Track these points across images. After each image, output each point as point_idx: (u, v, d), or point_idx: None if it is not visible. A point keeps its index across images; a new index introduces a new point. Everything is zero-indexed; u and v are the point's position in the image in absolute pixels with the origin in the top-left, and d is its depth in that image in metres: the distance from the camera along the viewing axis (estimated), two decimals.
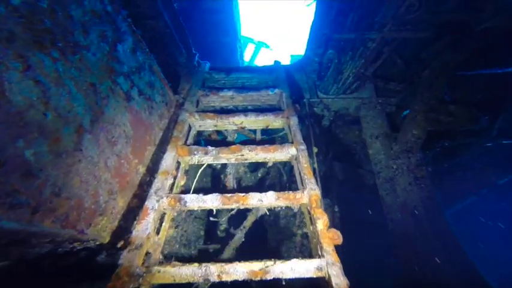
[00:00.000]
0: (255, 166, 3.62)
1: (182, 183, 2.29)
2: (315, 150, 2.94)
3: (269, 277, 1.46)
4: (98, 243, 1.67)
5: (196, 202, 1.82)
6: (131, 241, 1.57)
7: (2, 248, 1.19)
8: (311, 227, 1.82)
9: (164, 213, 1.93)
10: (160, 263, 1.65)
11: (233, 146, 2.20)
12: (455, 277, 2.26)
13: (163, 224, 1.91)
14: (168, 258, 2.66)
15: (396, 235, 2.71)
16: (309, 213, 1.85)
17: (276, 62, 3.92)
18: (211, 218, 3.21)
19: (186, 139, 2.54)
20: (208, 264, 1.50)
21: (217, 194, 1.84)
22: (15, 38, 1.03)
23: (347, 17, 2.68)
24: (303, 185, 2.01)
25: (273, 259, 1.53)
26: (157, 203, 1.78)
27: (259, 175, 3.59)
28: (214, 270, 1.47)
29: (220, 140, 3.47)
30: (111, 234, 1.74)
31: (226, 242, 2.98)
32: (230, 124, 2.69)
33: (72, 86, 1.35)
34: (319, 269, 1.48)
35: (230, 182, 3.18)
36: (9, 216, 0.99)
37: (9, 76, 1.01)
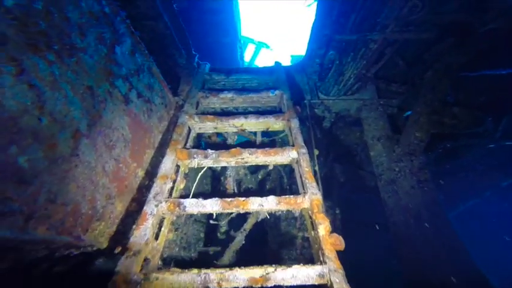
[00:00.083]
0: (255, 168, 3.59)
1: (182, 186, 2.26)
2: (316, 152, 2.91)
3: (270, 284, 1.43)
4: (95, 248, 1.64)
5: (196, 207, 1.79)
6: (129, 247, 1.54)
7: None
8: (312, 232, 1.79)
9: (163, 218, 1.89)
10: (159, 269, 1.62)
11: (233, 150, 2.17)
12: (462, 284, 2.22)
13: (163, 229, 1.87)
14: (168, 261, 2.64)
15: (398, 238, 2.67)
16: (310, 217, 1.82)
17: (276, 62, 3.89)
18: (211, 221, 3.19)
19: (186, 142, 2.51)
20: (208, 271, 1.47)
21: (217, 198, 1.81)
22: (8, 40, 0.99)
23: (349, 17, 2.64)
24: (304, 189, 1.98)
25: (273, 265, 1.50)
26: (156, 208, 1.75)
27: (260, 177, 3.56)
28: (213, 278, 1.44)
29: (220, 142, 3.44)
30: (109, 239, 1.71)
31: (226, 244, 2.95)
32: (230, 126, 2.66)
33: (68, 89, 1.32)
34: (321, 276, 1.45)
35: (230, 184, 3.15)
36: (0, 223, 0.96)
37: (2, 80, 0.98)
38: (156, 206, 1.76)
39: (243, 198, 1.81)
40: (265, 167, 3.44)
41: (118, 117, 1.79)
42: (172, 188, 2.12)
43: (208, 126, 2.67)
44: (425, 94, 2.86)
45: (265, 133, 3.20)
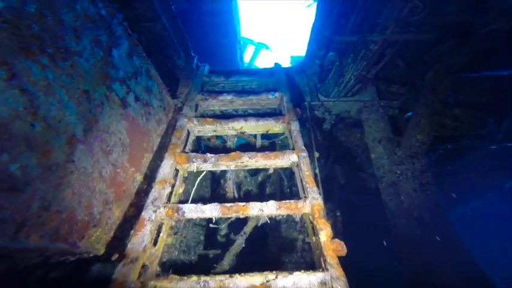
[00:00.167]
0: (255, 170, 3.56)
1: (181, 190, 2.22)
2: (317, 155, 2.87)
3: None
4: (92, 255, 1.61)
5: (195, 212, 1.76)
6: (126, 254, 1.50)
7: None
8: (313, 238, 1.75)
9: (162, 224, 1.86)
10: (157, 276, 1.58)
11: (233, 153, 2.14)
12: (464, 285, 2.19)
13: (161, 234, 1.84)
14: (167, 265, 2.61)
15: (400, 241, 2.64)
16: (311, 223, 1.79)
17: (276, 64, 3.86)
18: (211, 225, 3.16)
19: (185, 145, 2.47)
20: (207, 278, 1.44)
21: (216, 203, 1.78)
22: None
23: (349, 18, 2.62)
24: (304, 193, 1.94)
25: (274, 272, 1.47)
26: (154, 214, 1.71)
27: (260, 179, 3.54)
28: (213, 285, 1.41)
29: (219, 144, 3.41)
30: (106, 245, 1.68)
31: (226, 248, 2.92)
32: (230, 129, 2.63)
33: (63, 94, 1.29)
34: (323, 283, 1.42)
35: (230, 186, 3.12)
36: None
37: None
38: (155, 211, 1.73)
39: (243, 204, 1.77)
40: (265, 169, 3.41)
41: (115, 121, 1.75)
42: (171, 193, 2.09)
43: (208, 129, 2.64)
44: (426, 95, 2.83)
45: (265, 135, 3.18)
